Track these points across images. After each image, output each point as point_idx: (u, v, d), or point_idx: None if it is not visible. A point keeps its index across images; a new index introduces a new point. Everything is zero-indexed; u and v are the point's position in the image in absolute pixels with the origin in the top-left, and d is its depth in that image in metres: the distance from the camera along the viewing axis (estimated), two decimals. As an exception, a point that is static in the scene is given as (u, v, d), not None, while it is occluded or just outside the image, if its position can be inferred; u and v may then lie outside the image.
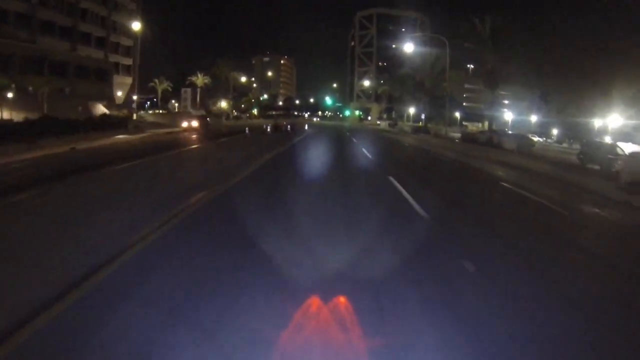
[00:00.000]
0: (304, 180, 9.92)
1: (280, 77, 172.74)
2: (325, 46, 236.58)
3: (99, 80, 46.29)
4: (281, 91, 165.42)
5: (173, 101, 57.34)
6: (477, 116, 72.73)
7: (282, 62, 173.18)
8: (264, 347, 2.38)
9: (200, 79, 68.39)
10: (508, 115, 48.44)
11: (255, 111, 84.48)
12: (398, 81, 55.24)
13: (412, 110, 57.97)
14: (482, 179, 12.41)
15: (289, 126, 28.05)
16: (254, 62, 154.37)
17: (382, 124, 63.41)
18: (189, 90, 48.72)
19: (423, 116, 44.43)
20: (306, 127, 33.16)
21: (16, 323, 2.52)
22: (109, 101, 45.69)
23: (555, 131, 61.23)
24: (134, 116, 41.04)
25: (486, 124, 76.97)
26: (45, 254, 3.97)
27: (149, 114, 42.35)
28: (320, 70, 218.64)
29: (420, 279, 3.66)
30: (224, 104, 70.47)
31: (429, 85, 42.06)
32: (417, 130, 43.05)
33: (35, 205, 6.35)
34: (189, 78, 69.71)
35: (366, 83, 69.03)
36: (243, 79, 64.94)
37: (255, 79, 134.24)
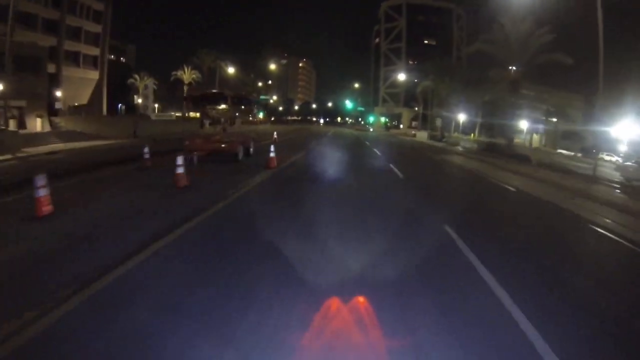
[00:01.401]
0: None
1: (299, 80, 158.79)
2: (347, 45, 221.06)
3: (29, 73, 32.95)
4: (299, 95, 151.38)
5: (140, 100, 43.43)
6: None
7: (300, 64, 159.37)
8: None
9: (187, 73, 54.53)
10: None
11: (261, 115, 70.18)
12: (447, 71, 37.73)
13: (462, 117, 41.30)
14: None
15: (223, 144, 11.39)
16: (272, 65, 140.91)
17: (419, 135, 46.20)
18: (150, 84, 34.90)
19: (529, 128, 25.89)
20: (272, 148, 15.00)
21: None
22: (36, 101, 32.01)
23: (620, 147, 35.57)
24: (47, 124, 27.09)
25: (534, 136, 58.02)
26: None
27: (72, 120, 28.12)
28: (341, 73, 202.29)
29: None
30: (223, 105, 56.56)
31: (519, 72, 23.32)
32: (490, 147, 25.46)
33: None
34: (173, 73, 56.22)
35: (401, 77, 51.90)
36: (231, 70, 50.22)
37: (271, 82, 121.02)
